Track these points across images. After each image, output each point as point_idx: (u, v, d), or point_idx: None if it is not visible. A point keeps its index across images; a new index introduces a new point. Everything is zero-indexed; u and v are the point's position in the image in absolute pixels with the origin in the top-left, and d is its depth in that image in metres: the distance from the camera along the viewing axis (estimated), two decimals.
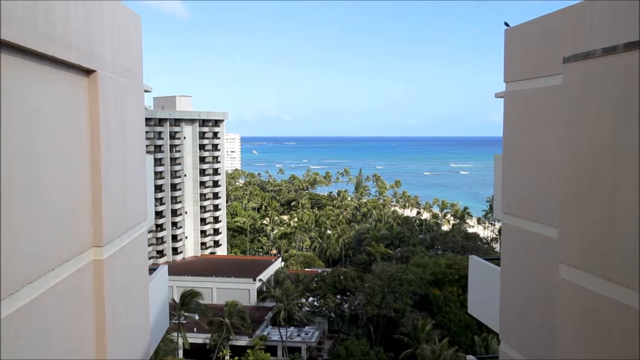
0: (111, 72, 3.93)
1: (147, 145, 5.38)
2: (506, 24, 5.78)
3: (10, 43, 2.47)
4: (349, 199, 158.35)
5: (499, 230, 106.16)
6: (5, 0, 2.38)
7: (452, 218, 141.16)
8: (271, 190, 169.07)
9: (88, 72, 3.59)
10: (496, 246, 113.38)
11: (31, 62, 2.78)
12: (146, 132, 5.28)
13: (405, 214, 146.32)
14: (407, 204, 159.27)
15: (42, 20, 2.80)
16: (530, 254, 5.53)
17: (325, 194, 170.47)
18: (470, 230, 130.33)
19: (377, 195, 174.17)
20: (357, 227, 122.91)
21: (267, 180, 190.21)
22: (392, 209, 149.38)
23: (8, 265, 2.50)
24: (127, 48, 4.40)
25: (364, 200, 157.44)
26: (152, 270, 7.81)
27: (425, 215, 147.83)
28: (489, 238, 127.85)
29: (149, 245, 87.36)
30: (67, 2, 3.13)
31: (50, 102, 3.04)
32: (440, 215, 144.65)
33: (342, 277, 72.52)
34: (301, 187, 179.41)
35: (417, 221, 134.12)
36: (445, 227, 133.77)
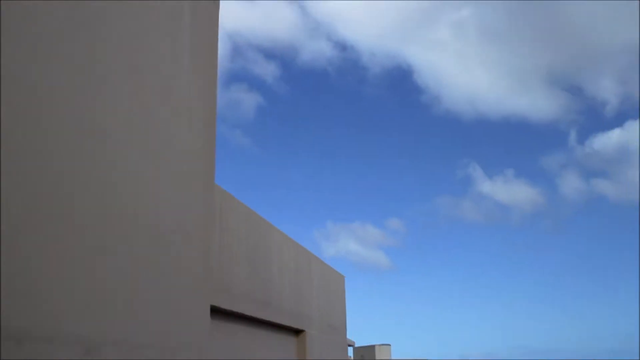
0: (318, 330, 4.11)
1: None
2: None
3: (235, 313, 2.75)
4: None
5: None
6: (232, 276, 2.73)
7: None
8: None
9: (297, 332, 3.80)
10: None
11: (249, 327, 3.03)
12: None
13: None
14: None
15: (261, 291, 3.11)
16: None
17: None
18: None
19: None
20: None
21: None
22: None
23: None
24: (332, 307, 4.63)
25: None
26: None
27: None
28: None
29: None
30: (282, 271, 3.48)
31: (264, 358, 3.21)
32: None
33: None
34: None
35: None
36: None
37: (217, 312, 2.63)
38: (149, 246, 1.90)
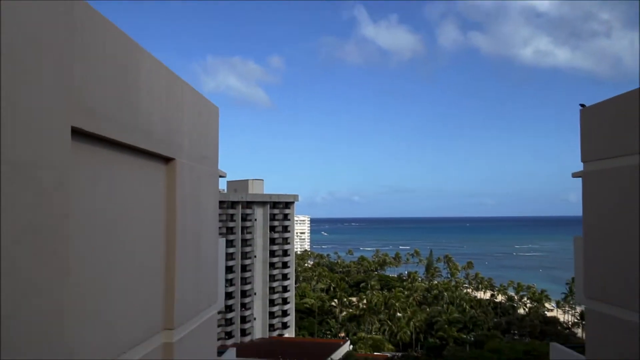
0: (188, 159, 4.11)
1: (219, 228, 5.49)
2: (582, 105, 5.71)
3: (99, 136, 2.64)
4: (420, 280, 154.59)
5: (581, 315, 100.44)
6: (95, 97, 2.57)
7: (528, 301, 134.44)
8: (340, 272, 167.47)
9: (167, 159, 3.76)
10: (578, 331, 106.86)
11: (115, 152, 2.95)
12: (219, 214, 5.42)
13: (478, 297, 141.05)
14: (480, 286, 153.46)
15: (128, 114, 2.99)
16: (618, 342, 5.15)
17: (395, 276, 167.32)
18: (549, 314, 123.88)
19: (449, 277, 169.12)
20: (428, 309, 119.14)
21: (336, 261, 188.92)
22: (465, 291, 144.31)
23: (81, 349, 2.55)
24: (205, 137, 4.61)
25: (435, 282, 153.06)
26: (220, 352, 7.77)
27: (500, 297, 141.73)
28: (570, 323, 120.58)
29: (218, 326, 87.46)
30: (151, 96, 3.34)
31: (131, 187, 3.19)
32: (516, 298, 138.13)
33: None
34: (370, 269, 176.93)
35: (492, 304, 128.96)
36: (522, 311, 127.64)
37: (80, 134, 2.51)
38: None
